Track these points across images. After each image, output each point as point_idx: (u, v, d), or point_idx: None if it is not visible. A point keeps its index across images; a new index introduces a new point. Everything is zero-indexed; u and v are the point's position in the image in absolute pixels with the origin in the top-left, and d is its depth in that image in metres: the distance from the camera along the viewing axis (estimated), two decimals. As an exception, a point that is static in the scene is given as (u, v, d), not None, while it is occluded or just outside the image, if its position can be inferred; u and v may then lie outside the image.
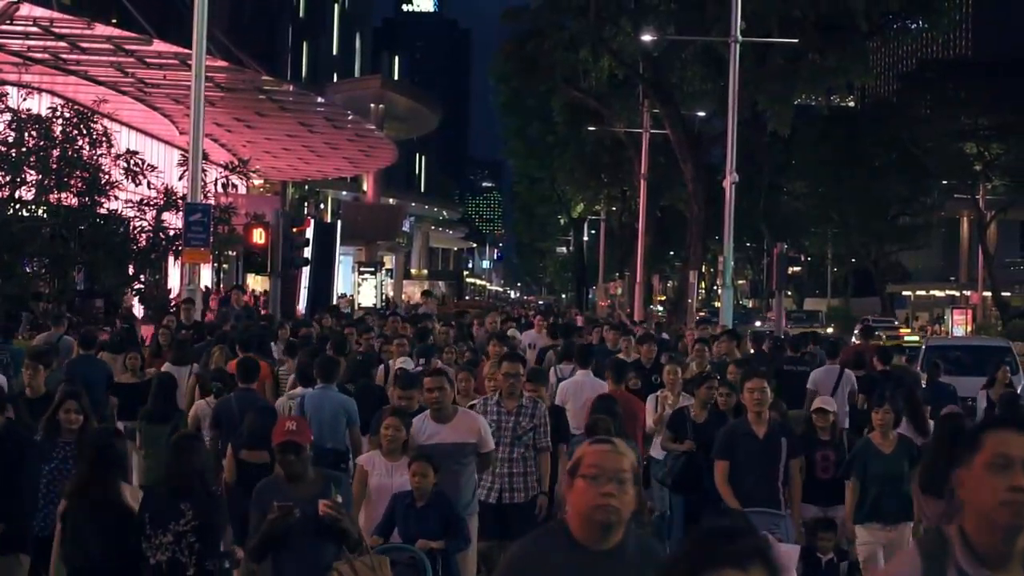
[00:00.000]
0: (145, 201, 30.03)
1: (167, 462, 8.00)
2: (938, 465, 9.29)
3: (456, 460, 9.79)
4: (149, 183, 30.04)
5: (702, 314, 44.21)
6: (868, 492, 10.67)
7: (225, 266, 52.46)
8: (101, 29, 32.18)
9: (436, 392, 9.97)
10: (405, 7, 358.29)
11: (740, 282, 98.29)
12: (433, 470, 8.74)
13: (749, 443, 10.30)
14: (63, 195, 28.69)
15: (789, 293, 74.14)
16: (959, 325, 61.24)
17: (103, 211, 29.65)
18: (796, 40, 40.29)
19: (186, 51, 28.88)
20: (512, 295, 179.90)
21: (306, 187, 76.88)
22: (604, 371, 14.44)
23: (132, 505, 7.75)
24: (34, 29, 30.66)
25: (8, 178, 27.65)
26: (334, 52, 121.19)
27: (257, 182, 60.79)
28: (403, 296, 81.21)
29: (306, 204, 75.03)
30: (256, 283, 53.16)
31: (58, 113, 29.37)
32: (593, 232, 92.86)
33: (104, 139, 29.57)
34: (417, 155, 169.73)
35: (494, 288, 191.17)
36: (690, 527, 12.17)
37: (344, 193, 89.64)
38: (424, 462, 8.78)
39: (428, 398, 10.10)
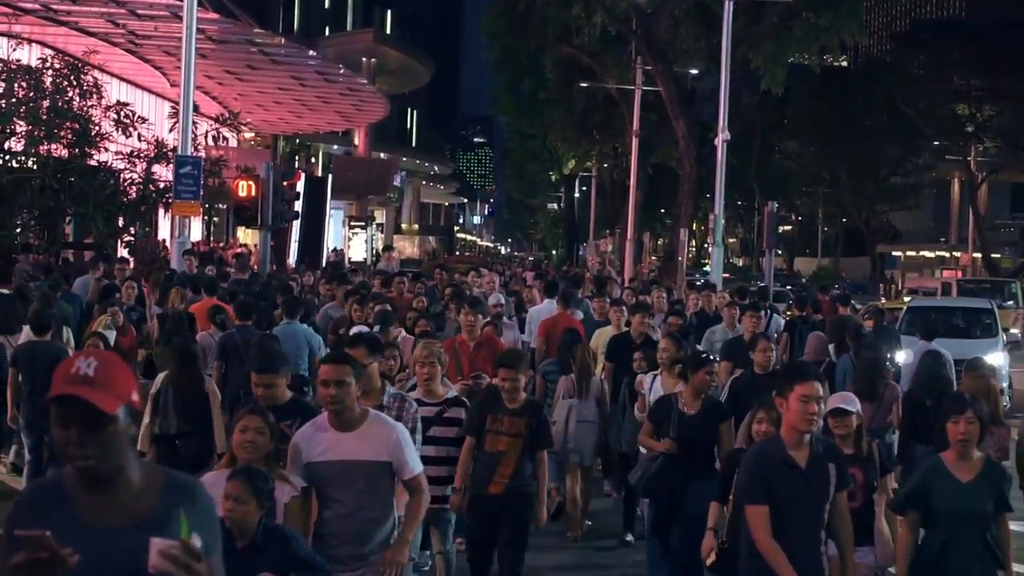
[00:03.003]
0: (135, 153, 29.92)
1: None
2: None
3: (364, 487, 7.02)
4: (139, 135, 29.92)
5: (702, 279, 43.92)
6: (933, 538, 7.64)
7: (216, 219, 52.46)
8: (92, -21, 32.04)
9: (333, 388, 6.96)
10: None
11: (731, 240, 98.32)
12: (258, 500, 6.15)
13: (789, 476, 6.94)
14: (53, 146, 28.60)
15: (779, 252, 74.24)
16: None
17: (93, 163, 29.56)
18: (790, -2, 40.27)
19: (178, 3, 28.71)
20: (503, 251, 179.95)
21: (297, 141, 76.68)
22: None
23: (215, 390, 11.09)
24: (25, -21, 30.52)
25: (-2, 129, 27.58)
26: (326, 5, 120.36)
27: (248, 135, 60.61)
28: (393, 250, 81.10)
29: (297, 158, 74.89)
30: (246, 236, 53.15)
31: (48, 64, 29.23)
32: (584, 189, 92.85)
33: (94, 90, 29.43)
34: (409, 110, 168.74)
35: (485, 244, 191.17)
36: (659, 539, 10.44)
37: (335, 147, 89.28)
38: (242, 481, 6.17)
39: (323, 395, 7.08)
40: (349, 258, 58.29)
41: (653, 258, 64.46)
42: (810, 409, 6.86)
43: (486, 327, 13.64)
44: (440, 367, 9.64)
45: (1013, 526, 7.81)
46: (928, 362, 12.49)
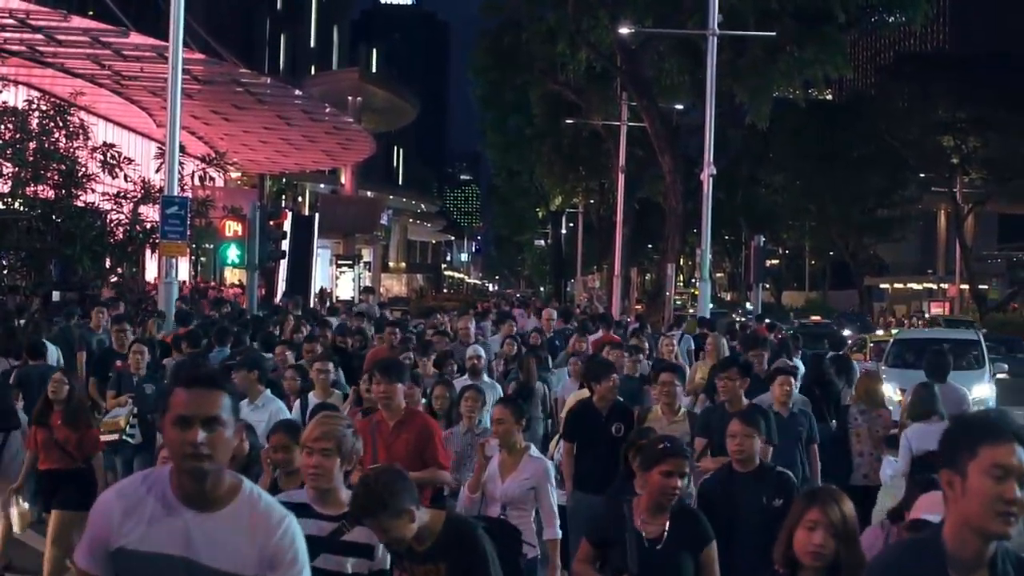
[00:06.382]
0: (122, 194, 29.85)
1: None
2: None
3: None
4: (126, 176, 29.85)
5: (688, 311, 43.73)
6: None
7: (203, 259, 52.41)
8: (78, 21, 32.13)
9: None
10: (383, 0, 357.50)
11: (718, 275, 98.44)
12: None
13: None
14: (39, 188, 28.53)
15: (767, 286, 74.28)
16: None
17: (80, 204, 29.48)
18: (774, 32, 40.36)
19: (163, 43, 28.76)
20: (490, 288, 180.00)
21: (284, 180, 76.76)
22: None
23: None
24: (10, 21, 30.57)
25: (-16, 171, 27.52)
26: (312, 44, 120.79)
27: (235, 175, 60.73)
28: (381, 288, 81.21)
29: (284, 197, 74.97)
30: (233, 276, 53.10)
31: (34, 105, 29.18)
32: (571, 225, 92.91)
33: (81, 132, 29.37)
34: (395, 148, 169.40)
35: (472, 281, 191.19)
36: None
37: (322, 186, 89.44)
38: None
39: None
40: (337, 296, 58.17)
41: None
42: (1008, 493, 3.58)
43: (467, 391, 10.41)
44: (340, 458, 5.87)
45: None
46: (813, 362, 17.10)
